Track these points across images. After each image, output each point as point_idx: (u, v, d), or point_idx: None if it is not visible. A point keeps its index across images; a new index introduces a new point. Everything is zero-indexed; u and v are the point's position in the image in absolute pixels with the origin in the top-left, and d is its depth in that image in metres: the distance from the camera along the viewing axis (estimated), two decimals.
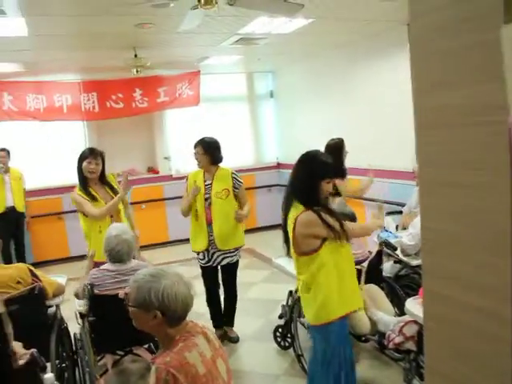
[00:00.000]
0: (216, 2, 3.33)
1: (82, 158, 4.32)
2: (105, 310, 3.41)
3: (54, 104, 7.61)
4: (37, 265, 6.73)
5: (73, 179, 8.15)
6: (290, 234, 2.96)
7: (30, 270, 3.56)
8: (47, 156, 8.23)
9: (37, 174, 8.05)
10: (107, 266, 3.47)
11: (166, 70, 7.77)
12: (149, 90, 7.83)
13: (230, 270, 4.73)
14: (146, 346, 4.01)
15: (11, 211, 7.18)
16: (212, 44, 6.33)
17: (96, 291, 3.38)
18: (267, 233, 8.85)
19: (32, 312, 3.47)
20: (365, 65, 6.85)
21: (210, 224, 4.51)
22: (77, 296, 3.65)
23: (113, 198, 4.30)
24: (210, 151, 4.49)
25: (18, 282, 3.48)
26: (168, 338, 2.03)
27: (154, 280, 2.02)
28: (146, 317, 2.01)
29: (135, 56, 6.17)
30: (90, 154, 4.29)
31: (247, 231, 8.48)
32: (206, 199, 4.51)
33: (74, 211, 7.94)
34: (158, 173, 8.73)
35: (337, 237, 2.89)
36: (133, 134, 8.54)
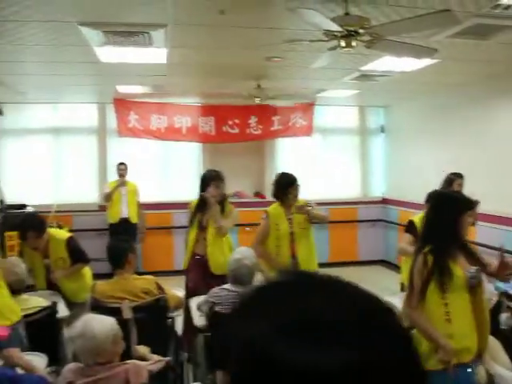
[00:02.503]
0: (356, 45, 3.46)
1: (207, 181, 4.56)
2: (222, 327, 3.57)
3: (174, 125, 8.11)
4: (143, 274, 7.10)
5: (184, 196, 8.60)
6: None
7: (157, 283, 3.82)
8: (163, 173, 8.73)
9: (152, 189, 8.56)
10: (228, 286, 3.65)
11: (282, 99, 8.02)
12: (263, 118, 8.13)
13: None
14: None
15: (125, 222, 7.62)
16: (333, 78, 6.48)
17: (217, 309, 3.56)
18: (367, 267, 8.78)
19: (155, 321, 3.72)
20: (484, 104, 6.69)
21: (293, 257, 4.56)
22: (199, 309, 3.84)
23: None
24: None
25: (145, 293, 3.74)
26: None
27: None
28: None
29: (258, 86, 6.44)
30: (217, 178, 4.54)
31: (347, 263, 8.57)
32: (290, 233, 4.57)
33: (183, 227, 8.38)
34: (264, 198, 8.96)
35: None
36: (244, 158, 8.84)
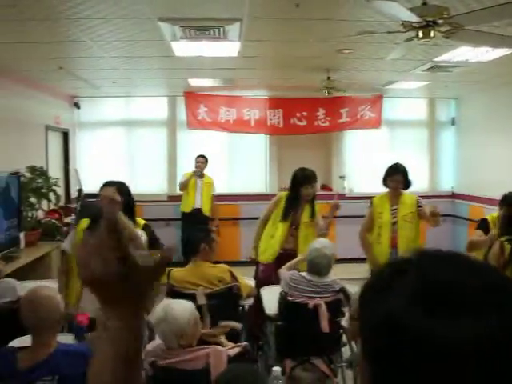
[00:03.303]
0: (434, 36, 3.41)
1: (300, 182, 4.60)
2: (293, 316, 3.64)
3: (243, 117, 8.22)
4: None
5: (251, 188, 8.70)
6: None
7: (230, 272, 3.93)
8: (230, 164, 8.88)
9: (219, 181, 8.71)
10: (305, 274, 3.70)
11: (350, 91, 7.97)
12: (331, 110, 8.10)
13: None
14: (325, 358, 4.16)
15: (197, 213, 7.77)
16: (404, 70, 6.38)
17: (289, 298, 3.62)
18: None
19: (227, 308, 3.82)
20: None
21: (394, 247, 4.58)
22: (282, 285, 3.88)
23: None
24: (407, 178, 4.66)
25: (219, 281, 3.86)
26: None
27: None
28: None
29: (328, 78, 6.43)
30: (313, 178, 4.61)
31: None
32: (393, 223, 4.59)
33: (251, 218, 8.48)
34: (331, 190, 8.93)
35: None
36: (310, 150, 8.82)
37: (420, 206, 4.68)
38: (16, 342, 2.83)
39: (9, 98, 6.29)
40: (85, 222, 3.46)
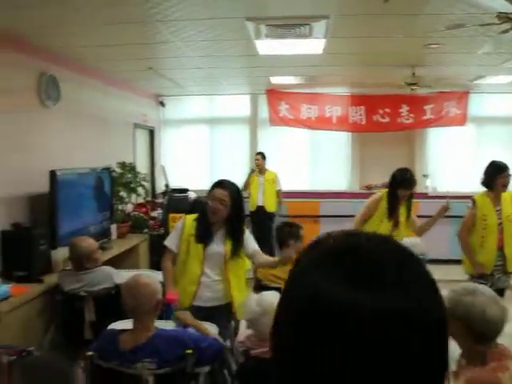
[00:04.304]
0: None
1: (398, 184, 4.52)
2: None
3: (325, 114, 8.23)
4: None
5: (332, 186, 8.68)
6: None
7: None
8: (311, 161, 8.92)
9: (299, 178, 8.78)
10: None
11: (436, 87, 7.76)
12: (415, 107, 7.94)
13: None
14: None
15: (261, 210, 7.83)
16: (493, 64, 6.15)
17: None
18: None
19: None
20: None
21: (500, 249, 4.46)
22: None
23: None
24: None
25: None
26: (473, 354, 2.12)
27: (467, 294, 2.14)
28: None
29: (413, 74, 6.31)
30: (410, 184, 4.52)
31: None
32: (498, 224, 4.46)
33: (331, 216, 8.47)
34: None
35: None
36: (393, 148, 8.68)
37: None
38: (115, 325, 3.01)
39: (101, 98, 6.65)
40: (192, 217, 3.61)
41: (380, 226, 4.57)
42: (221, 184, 3.55)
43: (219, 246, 3.54)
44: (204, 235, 3.52)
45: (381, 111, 8.01)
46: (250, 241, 3.64)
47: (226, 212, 3.47)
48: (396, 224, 4.59)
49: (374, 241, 0.67)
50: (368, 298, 0.59)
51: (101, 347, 2.57)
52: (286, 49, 5.33)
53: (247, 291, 3.76)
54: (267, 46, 5.23)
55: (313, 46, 5.18)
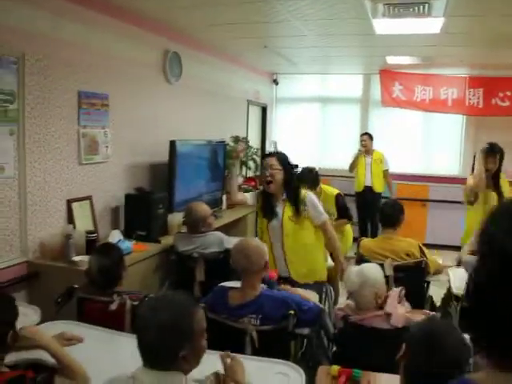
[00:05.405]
0: None
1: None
2: None
3: (440, 97, 7.99)
4: None
5: (443, 170, 8.46)
6: None
7: (420, 247, 3.99)
8: (422, 144, 8.73)
9: (409, 160, 8.64)
10: None
11: None
12: None
13: None
14: None
15: (369, 191, 7.79)
16: None
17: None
18: None
19: (413, 282, 3.86)
20: None
21: None
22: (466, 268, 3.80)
23: None
24: None
25: (408, 255, 3.94)
26: None
27: None
28: None
29: None
30: (490, 151, 4.46)
31: None
32: None
33: (440, 201, 8.28)
34: None
35: None
36: (510, 134, 8.27)
37: None
38: (224, 285, 3.25)
39: (218, 75, 6.96)
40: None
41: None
42: (268, 154, 3.96)
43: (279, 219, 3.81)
44: (268, 210, 3.84)
45: (501, 94, 7.62)
46: (316, 210, 3.82)
47: (280, 176, 3.72)
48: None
49: None
50: None
51: (212, 301, 2.83)
52: (403, 28, 5.26)
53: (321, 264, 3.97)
54: (384, 26, 5.20)
55: (431, 25, 5.08)
